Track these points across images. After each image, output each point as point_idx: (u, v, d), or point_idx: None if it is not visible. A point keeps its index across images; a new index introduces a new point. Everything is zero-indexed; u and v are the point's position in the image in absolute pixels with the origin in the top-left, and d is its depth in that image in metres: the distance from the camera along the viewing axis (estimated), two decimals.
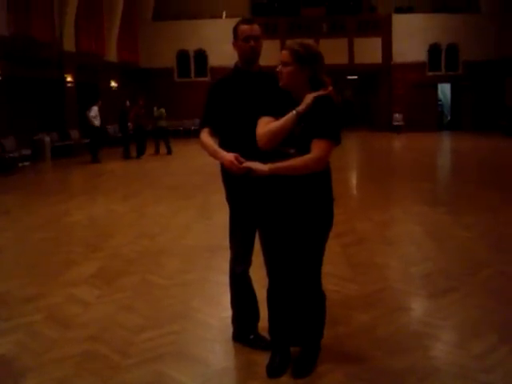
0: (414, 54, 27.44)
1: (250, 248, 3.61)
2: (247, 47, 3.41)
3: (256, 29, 3.43)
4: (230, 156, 3.16)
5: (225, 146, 3.38)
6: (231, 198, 3.59)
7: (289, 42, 3.23)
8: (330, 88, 3.18)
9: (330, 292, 4.60)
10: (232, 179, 3.42)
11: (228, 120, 3.45)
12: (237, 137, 3.41)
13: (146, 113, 19.22)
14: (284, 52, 3.18)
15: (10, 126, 16.20)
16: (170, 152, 18.86)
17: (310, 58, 3.16)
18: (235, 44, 3.48)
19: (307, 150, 3.08)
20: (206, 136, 3.47)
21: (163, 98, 27.69)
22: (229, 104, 3.44)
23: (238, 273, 3.64)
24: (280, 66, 3.19)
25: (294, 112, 3.10)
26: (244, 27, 3.41)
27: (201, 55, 28.41)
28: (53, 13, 18.55)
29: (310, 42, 3.28)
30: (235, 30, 3.46)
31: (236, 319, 3.82)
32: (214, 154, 3.37)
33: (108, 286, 5.15)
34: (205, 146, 3.46)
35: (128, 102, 18.77)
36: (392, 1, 28.20)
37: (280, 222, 3.30)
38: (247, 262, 3.64)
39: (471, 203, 8.94)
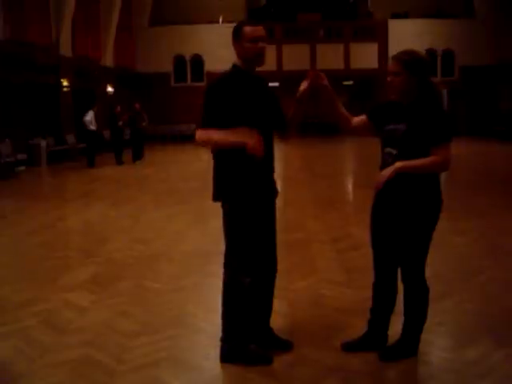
0: None
1: (260, 255, 3.54)
2: (256, 48, 3.40)
3: (263, 30, 3.45)
4: (257, 139, 3.23)
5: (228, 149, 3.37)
6: (243, 209, 3.45)
7: (396, 53, 3.49)
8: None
9: (326, 297, 4.61)
10: (245, 190, 3.42)
11: (231, 122, 3.36)
12: None
13: (147, 117, 19.16)
14: (392, 62, 3.44)
15: (5, 131, 16.18)
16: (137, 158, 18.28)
17: (417, 63, 3.40)
18: (238, 45, 3.44)
19: (408, 152, 3.33)
20: (205, 130, 3.40)
21: (160, 103, 27.78)
22: (233, 105, 3.38)
23: (247, 284, 3.48)
24: (390, 77, 3.43)
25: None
26: (252, 28, 3.41)
27: (197, 60, 28.48)
28: (49, 17, 18.58)
29: (414, 49, 3.56)
30: (239, 31, 3.42)
31: (231, 335, 3.59)
32: (227, 138, 3.32)
33: (103, 291, 5.13)
34: (210, 136, 3.38)
35: (119, 108, 18.51)
36: (388, 6, 28.32)
37: (390, 220, 3.54)
38: (257, 272, 3.53)
39: (466, 209, 8.95)
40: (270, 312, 3.75)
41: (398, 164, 3.29)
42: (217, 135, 3.36)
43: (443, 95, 3.50)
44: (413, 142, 3.34)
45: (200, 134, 3.43)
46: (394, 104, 3.53)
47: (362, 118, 3.72)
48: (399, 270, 3.64)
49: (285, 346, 3.74)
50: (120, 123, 18.05)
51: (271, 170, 3.60)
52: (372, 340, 3.69)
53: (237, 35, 3.45)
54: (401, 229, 3.50)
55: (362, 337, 3.72)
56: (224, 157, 3.44)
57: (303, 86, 3.58)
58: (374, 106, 3.74)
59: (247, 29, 3.41)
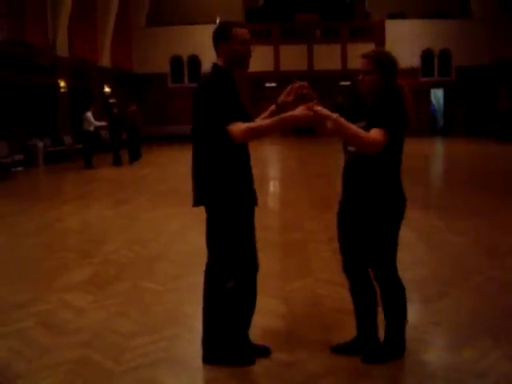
0: (407, 60, 27.55)
1: (244, 258, 3.47)
2: (248, 51, 3.39)
3: (249, 33, 3.43)
4: (303, 108, 3.22)
5: (232, 150, 3.34)
6: (229, 216, 3.40)
7: (367, 51, 3.46)
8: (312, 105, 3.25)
9: (323, 297, 4.61)
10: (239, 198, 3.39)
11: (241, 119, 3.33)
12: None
13: (142, 117, 19.15)
14: (365, 61, 3.38)
15: (2, 132, 16.18)
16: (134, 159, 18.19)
17: (390, 65, 3.40)
18: (226, 47, 3.38)
19: None
20: (251, 123, 3.32)
21: (157, 104, 27.78)
22: (234, 107, 3.34)
23: (229, 288, 3.43)
24: (361, 75, 3.38)
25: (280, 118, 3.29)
26: (242, 30, 3.37)
27: (194, 61, 28.48)
28: (46, 18, 18.57)
29: (385, 49, 3.55)
30: (228, 32, 3.36)
31: (209, 339, 3.56)
32: (282, 124, 3.30)
33: (101, 291, 5.13)
34: (263, 127, 3.33)
35: (115, 109, 18.44)
36: (385, 7, 28.36)
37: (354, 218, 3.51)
38: (241, 274, 3.47)
39: (464, 208, 8.97)
40: (250, 318, 3.63)
41: (335, 115, 3.23)
42: (266, 123, 3.32)
43: (408, 97, 3.43)
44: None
45: (241, 131, 3.25)
46: (360, 104, 3.53)
47: None
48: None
49: (263, 351, 3.66)
50: (140, 123, 18.37)
51: (252, 177, 3.54)
52: (361, 344, 3.65)
53: (224, 35, 3.37)
54: (365, 230, 3.47)
55: (352, 341, 3.68)
56: (209, 163, 3.39)
57: (286, 97, 3.56)
58: (348, 108, 3.72)
59: (238, 30, 3.36)
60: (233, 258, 3.44)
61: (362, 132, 3.25)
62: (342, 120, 3.23)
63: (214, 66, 3.45)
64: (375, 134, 3.24)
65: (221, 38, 3.40)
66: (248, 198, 3.46)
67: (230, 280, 3.43)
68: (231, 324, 3.52)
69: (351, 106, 3.67)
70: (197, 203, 3.51)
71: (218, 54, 3.45)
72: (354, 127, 3.26)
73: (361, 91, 3.46)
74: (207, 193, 3.43)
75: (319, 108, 3.21)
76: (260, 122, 3.40)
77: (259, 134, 3.34)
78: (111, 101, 18.62)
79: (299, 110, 3.23)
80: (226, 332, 3.52)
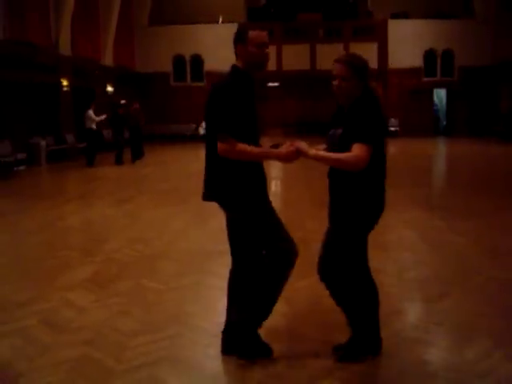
0: (410, 60, 27.58)
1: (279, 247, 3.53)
2: (262, 54, 3.42)
3: (267, 36, 3.46)
4: (289, 149, 3.35)
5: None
6: (260, 212, 3.49)
7: (340, 56, 3.42)
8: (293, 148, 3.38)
9: (325, 297, 4.60)
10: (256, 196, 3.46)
11: (244, 127, 3.37)
12: (250, 142, 3.39)
13: (144, 116, 19.16)
14: (340, 66, 3.34)
15: (5, 130, 16.20)
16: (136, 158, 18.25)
17: (365, 69, 3.38)
18: (243, 49, 3.41)
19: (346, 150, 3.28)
20: (240, 144, 3.33)
21: (159, 103, 27.79)
22: (242, 109, 3.37)
23: (282, 278, 3.58)
24: (338, 81, 3.36)
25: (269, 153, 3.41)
26: (258, 33, 3.40)
27: (197, 60, 28.50)
28: (49, 17, 18.57)
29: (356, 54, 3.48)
30: (244, 34, 3.39)
31: (241, 324, 3.60)
32: (264, 156, 3.41)
33: (103, 290, 5.14)
34: (247, 152, 3.34)
35: (121, 109, 18.41)
36: (388, 6, 28.33)
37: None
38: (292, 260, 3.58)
39: (465, 209, 8.97)
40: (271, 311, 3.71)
41: (312, 152, 3.30)
42: (253, 152, 3.36)
43: (381, 99, 3.43)
44: (347, 145, 3.27)
45: (226, 147, 3.31)
46: (338, 109, 3.54)
47: None
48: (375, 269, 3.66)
49: (267, 351, 3.68)
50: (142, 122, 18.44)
51: (264, 174, 3.61)
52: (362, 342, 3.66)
53: (241, 38, 3.42)
54: (338, 229, 3.49)
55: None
56: (220, 160, 3.39)
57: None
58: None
59: (254, 33, 3.39)
60: (274, 246, 3.50)
61: (342, 155, 3.25)
62: (319, 154, 3.33)
63: (233, 67, 3.48)
64: (357, 150, 3.22)
65: (238, 39, 3.44)
66: (261, 195, 3.50)
67: (283, 271, 3.55)
68: (259, 315, 3.59)
69: (333, 116, 3.60)
70: (207, 198, 3.54)
71: (237, 56, 3.49)
72: (332, 155, 3.32)
73: (337, 96, 3.44)
74: (218, 189, 3.48)
75: (301, 146, 3.34)
76: (247, 147, 3.35)
77: (241, 156, 3.36)
78: (122, 102, 18.61)
79: (284, 148, 3.37)
80: (252, 323, 3.59)
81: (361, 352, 3.57)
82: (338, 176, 3.44)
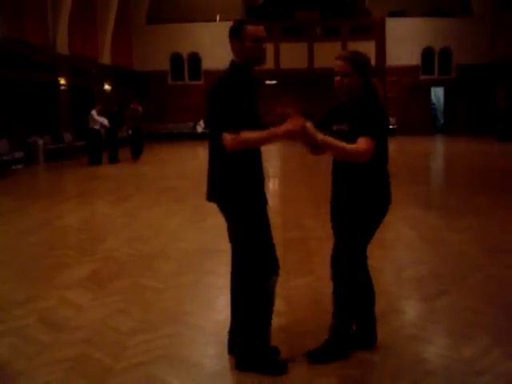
0: (408, 58, 27.60)
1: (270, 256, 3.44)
2: (259, 49, 3.34)
3: (264, 30, 3.38)
4: (297, 123, 3.26)
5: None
6: (254, 214, 3.40)
7: (342, 53, 3.46)
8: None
9: (324, 295, 4.61)
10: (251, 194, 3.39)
11: (247, 122, 3.30)
12: None
13: (144, 114, 19.14)
14: (341, 63, 3.37)
15: (2, 129, 16.18)
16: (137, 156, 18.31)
17: (365, 65, 3.41)
18: (238, 44, 3.34)
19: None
20: (245, 133, 3.24)
21: (157, 101, 27.77)
22: (244, 105, 3.30)
23: (270, 288, 3.42)
24: (339, 77, 3.38)
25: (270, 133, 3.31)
26: (254, 28, 3.32)
27: (194, 58, 28.48)
28: (47, 16, 18.56)
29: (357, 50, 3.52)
30: (241, 30, 3.32)
31: (253, 342, 3.47)
32: (269, 138, 3.30)
33: (101, 289, 5.13)
34: (256, 138, 3.28)
35: (114, 107, 18.40)
36: (385, 5, 28.34)
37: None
38: (277, 270, 3.47)
39: (464, 207, 8.97)
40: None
41: (321, 137, 3.28)
42: (257, 136, 3.28)
43: (382, 94, 3.45)
44: (353, 140, 3.30)
45: (233, 140, 3.22)
46: (338, 105, 3.55)
47: None
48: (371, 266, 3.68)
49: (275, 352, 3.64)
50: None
51: (263, 176, 3.54)
52: (359, 338, 3.69)
53: (237, 33, 3.34)
54: (345, 224, 3.51)
55: (351, 336, 3.69)
56: (222, 160, 3.36)
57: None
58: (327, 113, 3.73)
59: (250, 28, 3.31)
60: (260, 256, 3.41)
61: (348, 146, 3.27)
62: (328, 139, 3.29)
63: (232, 62, 3.41)
64: (362, 143, 3.26)
65: (234, 35, 3.37)
66: (259, 197, 3.44)
67: (267, 279, 3.41)
68: (265, 325, 3.48)
69: (331, 110, 3.64)
70: (210, 199, 3.50)
71: (234, 53, 3.41)
72: (339, 143, 3.30)
73: (338, 93, 3.46)
74: (219, 190, 3.43)
75: (308, 125, 3.28)
76: (250, 133, 3.28)
77: (248, 145, 3.29)
78: (132, 106, 18.48)
79: (289, 124, 3.24)
80: (260, 333, 3.47)
81: (338, 350, 3.57)
82: (343, 172, 3.46)
